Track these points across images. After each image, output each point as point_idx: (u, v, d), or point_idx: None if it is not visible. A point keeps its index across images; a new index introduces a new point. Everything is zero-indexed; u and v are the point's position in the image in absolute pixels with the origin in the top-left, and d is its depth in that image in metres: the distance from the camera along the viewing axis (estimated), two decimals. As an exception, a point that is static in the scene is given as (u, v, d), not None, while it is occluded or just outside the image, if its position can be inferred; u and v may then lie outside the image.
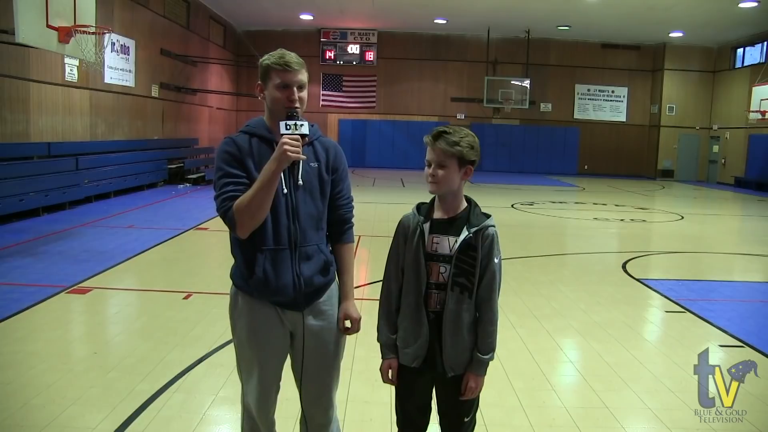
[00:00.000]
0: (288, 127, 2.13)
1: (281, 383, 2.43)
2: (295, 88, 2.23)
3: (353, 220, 2.48)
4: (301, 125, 2.14)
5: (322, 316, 2.37)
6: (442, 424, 2.39)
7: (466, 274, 2.22)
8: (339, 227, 2.43)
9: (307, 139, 2.19)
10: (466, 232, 2.22)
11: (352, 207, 2.48)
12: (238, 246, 2.33)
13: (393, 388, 2.39)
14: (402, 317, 2.29)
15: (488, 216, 2.30)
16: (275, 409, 2.44)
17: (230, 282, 2.41)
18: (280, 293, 2.26)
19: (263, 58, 2.28)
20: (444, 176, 2.20)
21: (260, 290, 2.27)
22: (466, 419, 2.34)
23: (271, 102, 2.26)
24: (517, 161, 25.89)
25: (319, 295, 2.36)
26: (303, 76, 2.26)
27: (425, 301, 2.25)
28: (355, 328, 2.42)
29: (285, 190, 2.26)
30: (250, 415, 2.40)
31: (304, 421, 2.46)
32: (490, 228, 2.26)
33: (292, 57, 2.25)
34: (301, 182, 2.29)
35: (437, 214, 2.27)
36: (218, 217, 2.23)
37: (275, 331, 2.33)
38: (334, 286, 2.42)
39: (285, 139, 2.11)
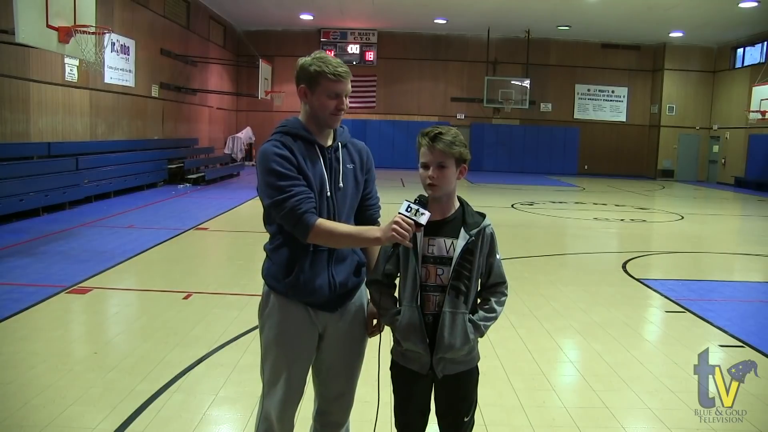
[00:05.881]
0: (410, 209, 2.05)
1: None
2: (343, 96, 2.25)
3: (380, 220, 2.49)
4: (422, 215, 2.05)
5: (351, 316, 2.39)
6: (440, 425, 2.38)
7: (463, 278, 2.23)
8: None
9: (421, 229, 2.11)
10: (467, 236, 2.21)
11: (380, 207, 2.51)
12: (276, 246, 2.31)
13: (392, 389, 2.38)
14: (402, 316, 2.29)
15: (483, 215, 2.31)
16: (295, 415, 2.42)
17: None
18: (315, 294, 2.27)
19: (307, 62, 2.24)
20: (444, 177, 2.19)
21: (296, 291, 2.27)
22: (465, 419, 2.34)
23: (318, 108, 2.25)
24: (517, 161, 25.89)
25: (350, 296, 2.38)
26: (350, 84, 2.28)
27: (423, 304, 2.24)
28: (381, 327, 2.45)
29: (328, 193, 2.27)
30: (268, 418, 2.34)
31: (319, 419, 2.47)
32: (488, 227, 2.28)
33: (342, 66, 2.24)
34: (341, 185, 2.30)
35: (431, 215, 2.27)
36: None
37: (306, 332, 2.33)
38: (363, 287, 2.45)
39: (398, 219, 2.05)
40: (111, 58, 13.91)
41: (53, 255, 7.32)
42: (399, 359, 2.33)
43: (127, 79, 15.08)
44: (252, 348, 4.34)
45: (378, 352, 2.34)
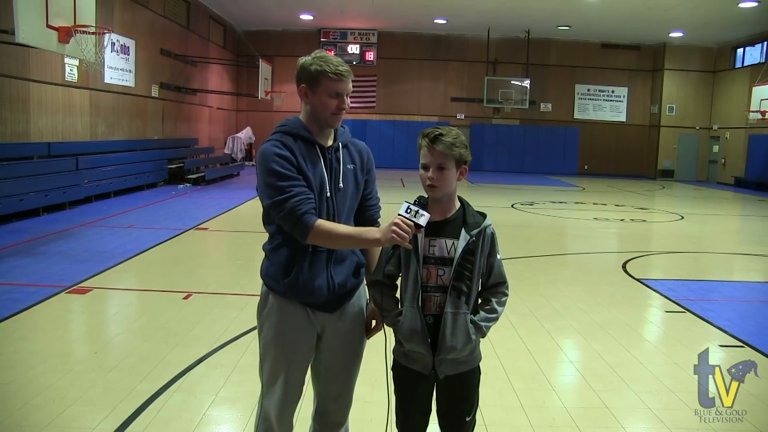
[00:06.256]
0: (409, 210, 2.04)
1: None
2: (345, 96, 2.25)
3: (380, 221, 2.49)
4: (422, 216, 2.04)
5: (350, 317, 2.39)
6: (442, 424, 2.38)
7: (464, 278, 2.22)
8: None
9: (421, 230, 2.09)
10: (467, 236, 2.21)
11: (380, 208, 2.50)
12: (275, 247, 2.30)
13: (394, 389, 2.38)
14: (403, 317, 2.29)
15: (484, 215, 2.30)
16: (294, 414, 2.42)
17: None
18: (314, 295, 2.26)
19: (308, 61, 2.24)
20: (444, 179, 2.19)
21: (295, 291, 2.26)
22: (467, 419, 2.33)
23: (319, 108, 2.24)
24: (517, 161, 25.89)
25: (349, 297, 2.37)
26: (351, 83, 2.27)
27: (424, 304, 2.24)
28: (380, 328, 2.45)
29: (328, 194, 2.26)
30: (268, 418, 2.34)
31: (319, 420, 2.47)
32: (489, 228, 2.27)
33: (342, 65, 2.23)
34: (341, 185, 2.29)
35: (432, 216, 2.26)
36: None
37: (304, 332, 2.32)
38: (362, 288, 2.44)
39: (398, 221, 2.03)
40: (111, 58, 13.91)
41: (53, 255, 7.32)
42: (401, 359, 2.32)
43: (127, 79, 15.08)
44: (252, 348, 4.34)
45: (385, 354, 2.34)
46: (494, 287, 2.30)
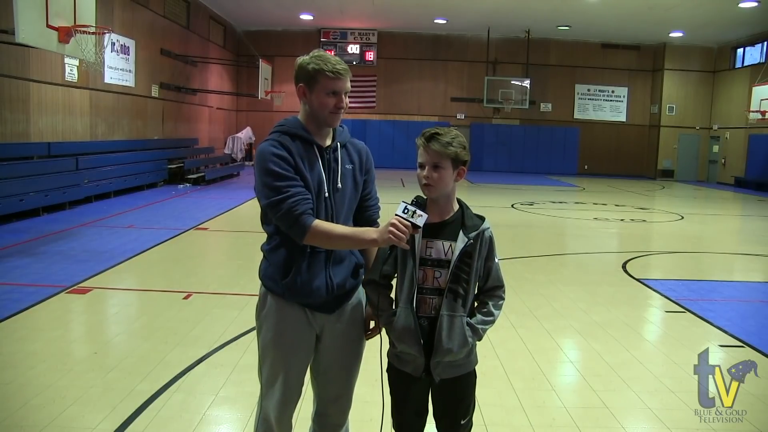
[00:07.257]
0: (406, 210, 2.04)
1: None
2: (343, 94, 2.24)
3: (379, 221, 2.48)
4: (419, 216, 2.04)
5: (349, 318, 2.38)
6: (438, 427, 2.37)
7: (461, 281, 2.21)
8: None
9: (419, 231, 2.09)
10: (465, 238, 2.20)
11: (379, 208, 2.49)
12: (274, 247, 2.29)
13: (389, 391, 2.37)
14: (397, 318, 2.28)
15: (483, 218, 2.29)
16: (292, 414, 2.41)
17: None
18: (313, 295, 2.26)
19: (306, 60, 2.23)
20: (439, 178, 2.17)
21: (293, 292, 2.25)
22: (462, 422, 2.32)
23: (317, 107, 2.24)
24: (517, 161, 25.89)
25: (348, 298, 2.37)
26: (349, 82, 2.27)
27: (419, 306, 2.23)
28: (379, 329, 2.43)
29: (326, 194, 2.25)
30: (267, 419, 2.34)
31: (318, 421, 2.46)
32: (487, 231, 2.26)
33: (340, 63, 2.23)
34: (339, 185, 2.28)
35: (429, 218, 2.25)
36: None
37: (303, 333, 2.32)
38: (361, 289, 2.43)
39: (395, 221, 2.03)
40: (111, 58, 13.90)
41: (53, 255, 7.32)
42: (394, 361, 2.32)
43: (127, 79, 15.07)
44: (252, 348, 4.34)
45: (380, 354, 2.34)
46: (491, 290, 2.30)
